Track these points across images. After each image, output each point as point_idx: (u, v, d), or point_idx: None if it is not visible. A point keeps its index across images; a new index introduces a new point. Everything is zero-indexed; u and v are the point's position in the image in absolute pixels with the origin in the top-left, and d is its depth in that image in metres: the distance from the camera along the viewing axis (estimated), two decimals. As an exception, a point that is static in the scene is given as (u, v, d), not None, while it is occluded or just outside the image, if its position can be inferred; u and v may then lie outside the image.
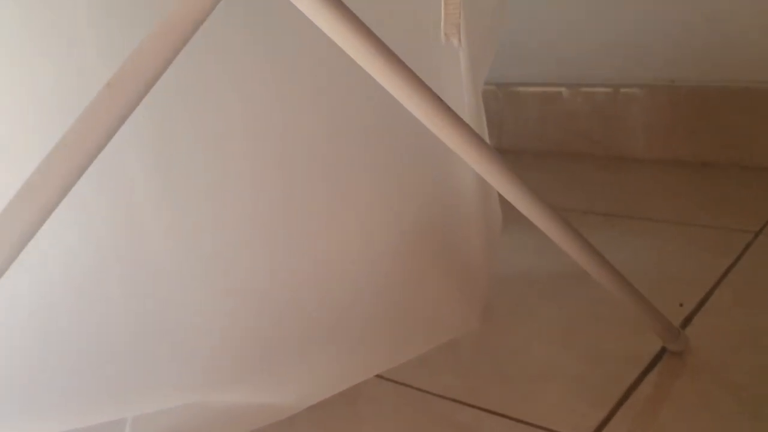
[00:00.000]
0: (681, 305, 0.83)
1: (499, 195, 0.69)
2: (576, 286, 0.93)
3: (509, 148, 1.60)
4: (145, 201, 0.55)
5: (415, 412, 0.68)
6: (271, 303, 0.60)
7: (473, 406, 0.67)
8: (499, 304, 0.88)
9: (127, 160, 0.54)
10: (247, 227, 0.58)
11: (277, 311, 0.61)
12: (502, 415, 0.66)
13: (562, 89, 1.52)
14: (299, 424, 0.65)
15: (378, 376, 0.72)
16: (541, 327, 0.82)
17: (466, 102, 0.66)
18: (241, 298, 0.59)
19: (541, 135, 1.56)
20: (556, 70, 1.53)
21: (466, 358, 0.77)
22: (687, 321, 0.80)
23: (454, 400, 0.69)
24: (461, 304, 0.67)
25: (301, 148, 0.60)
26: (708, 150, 1.38)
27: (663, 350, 0.74)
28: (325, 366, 0.63)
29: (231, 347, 0.60)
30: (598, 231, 1.09)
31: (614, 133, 1.47)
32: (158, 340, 0.58)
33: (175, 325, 0.58)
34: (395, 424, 0.66)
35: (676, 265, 0.97)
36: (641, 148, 1.44)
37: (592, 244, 0.65)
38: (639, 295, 0.69)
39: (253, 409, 0.60)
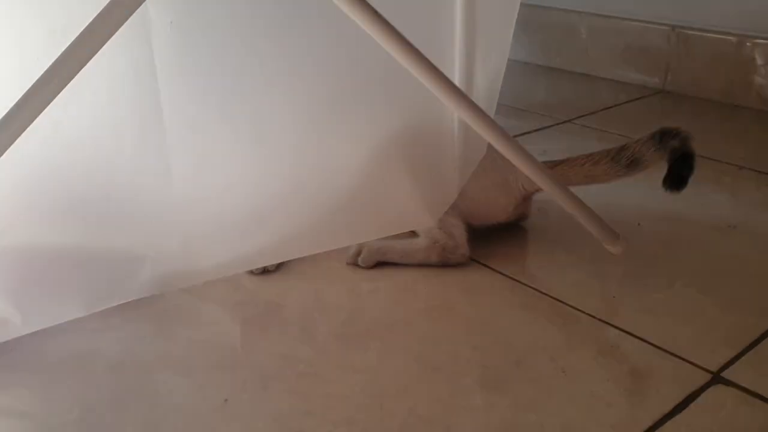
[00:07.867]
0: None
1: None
2: (718, 241, 0.99)
3: (673, 91, 1.62)
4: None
5: (565, 324, 0.79)
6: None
7: (614, 326, 0.78)
8: (653, 243, 0.97)
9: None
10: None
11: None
12: (641, 339, 0.76)
13: (737, 39, 1.51)
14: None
15: (529, 288, 0.84)
16: (685, 271, 0.90)
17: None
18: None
19: (707, 82, 1.57)
20: (737, 18, 1.51)
21: (612, 286, 0.87)
22: None
23: (600, 320, 0.79)
24: (424, 206, 0.81)
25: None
26: None
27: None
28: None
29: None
30: (750, 188, 1.13)
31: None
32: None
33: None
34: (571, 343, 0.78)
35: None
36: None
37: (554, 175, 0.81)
38: (586, 208, 0.82)
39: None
